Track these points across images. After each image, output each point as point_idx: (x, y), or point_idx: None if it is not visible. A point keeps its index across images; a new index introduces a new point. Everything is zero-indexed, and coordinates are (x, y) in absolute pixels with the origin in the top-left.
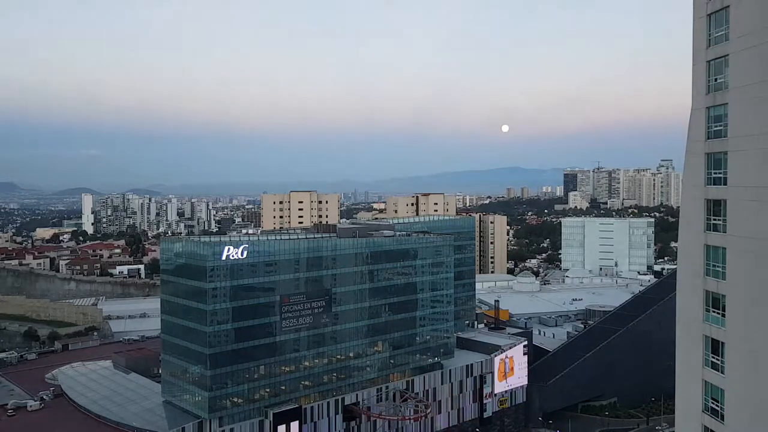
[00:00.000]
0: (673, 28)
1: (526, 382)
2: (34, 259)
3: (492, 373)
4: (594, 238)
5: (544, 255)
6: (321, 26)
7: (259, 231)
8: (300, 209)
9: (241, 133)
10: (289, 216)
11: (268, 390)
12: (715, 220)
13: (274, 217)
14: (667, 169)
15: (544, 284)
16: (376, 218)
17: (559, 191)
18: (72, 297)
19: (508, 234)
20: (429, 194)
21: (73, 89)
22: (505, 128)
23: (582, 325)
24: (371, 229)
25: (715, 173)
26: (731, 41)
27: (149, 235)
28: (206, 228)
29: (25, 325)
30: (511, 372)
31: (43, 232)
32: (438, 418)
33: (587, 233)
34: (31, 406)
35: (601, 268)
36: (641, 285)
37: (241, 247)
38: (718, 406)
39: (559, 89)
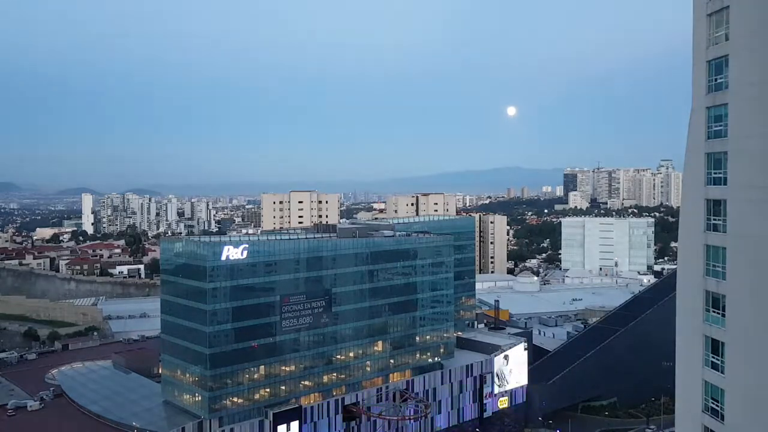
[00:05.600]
0: (673, 28)
1: (526, 382)
2: (34, 259)
3: (492, 373)
4: (594, 238)
5: (544, 255)
6: (318, 25)
7: (259, 231)
8: (300, 209)
9: (241, 133)
10: (289, 216)
11: (268, 390)
12: (715, 220)
13: (274, 217)
14: (667, 169)
15: (544, 284)
16: (376, 218)
17: (559, 191)
18: (72, 297)
19: (508, 234)
20: (429, 194)
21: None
22: (511, 111)
23: (582, 325)
24: (371, 229)
25: (715, 173)
26: (731, 41)
27: (149, 235)
28: (206, 228)
29: (25, 325)
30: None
31: (43, 232)
32: (438, 418)
33: (587, 233)
34: (31, 406)
35: (601, 268)
36: (641, 285)
37: (241, 247)
38: (718, 406)
39: (561, 88)
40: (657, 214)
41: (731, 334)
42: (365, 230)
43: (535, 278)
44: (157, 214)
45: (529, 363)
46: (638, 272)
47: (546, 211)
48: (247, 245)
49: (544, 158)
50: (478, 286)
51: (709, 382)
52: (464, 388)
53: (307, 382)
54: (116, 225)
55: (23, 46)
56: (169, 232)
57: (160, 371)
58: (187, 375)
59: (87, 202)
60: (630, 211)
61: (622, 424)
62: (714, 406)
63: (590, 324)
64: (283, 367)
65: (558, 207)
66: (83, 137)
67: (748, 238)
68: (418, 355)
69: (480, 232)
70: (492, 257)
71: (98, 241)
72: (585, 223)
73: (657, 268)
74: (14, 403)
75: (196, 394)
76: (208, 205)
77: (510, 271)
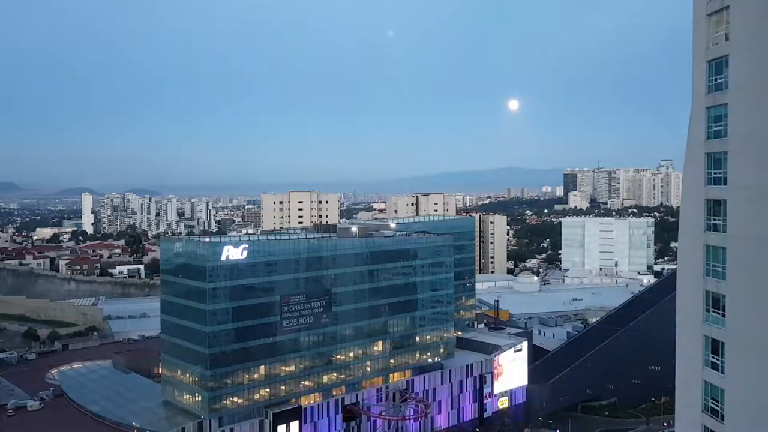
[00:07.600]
0: (673, 28)
1: (526, 382)
2: (34, 259)
3: (492, 373)
4: (594, 238)
5: (544, 255)
6: (316, 25)
7: (259, 231)
8: (300, 209)
9: (241, 133)
10: (289, 216)
11: (268, 390)
12: (715, 220)
13: (274, 217)
14: (667, 169)
15: (544, 284)
16: (376, 218)
17: (559, 191)
18: (72, 297)
19: (508, 234)
20: (429, 194)
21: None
22: (511, 111)
23: (582, 325)
24: (371, 229)
25: (715, 173)
26: (731, 41)
27: (149, 235)
28: (206, 228)
29: (25, 325)
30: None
31: (43, 232)
32: (438, 418)
33: (587, 233)
34: (31, 406)
35: (601, 268)
36: (641, 285)
37: (241, 247)
38: (718, 406)
39: (561, 87)
40: (657, 214)
41: (731, 334)
42: (365, 230)
43: (535, 278)
44: (157, 214)
45: (529, 363)
46: (638, 272)
47: (546, 211)
48: (247, 245)
49: (544, 158)
50: (478, 286)
51: (709, 382)
52: (464, 388)
53: (307, 382)
54: (116, 225)
55: (22, 47)
56: (169, 232)
57: (160, 371)
58: (187, 375)
59: (87, 202)
60: (630, 211)
61: (622, 424)
62: (714, 406)
63: (590, 324)
64: (283, 367)
65: (558, 207)
66: (83, 137)
67: (748, 238)
68: (418, 355)
69: (480, 232)
70: (492, 257)
71: (98, 241)
72: (585, 223)
73: (657, 268)
74: (14, 403)
75: (196, 394)
76: (208, 205)
77: (510, 271)
